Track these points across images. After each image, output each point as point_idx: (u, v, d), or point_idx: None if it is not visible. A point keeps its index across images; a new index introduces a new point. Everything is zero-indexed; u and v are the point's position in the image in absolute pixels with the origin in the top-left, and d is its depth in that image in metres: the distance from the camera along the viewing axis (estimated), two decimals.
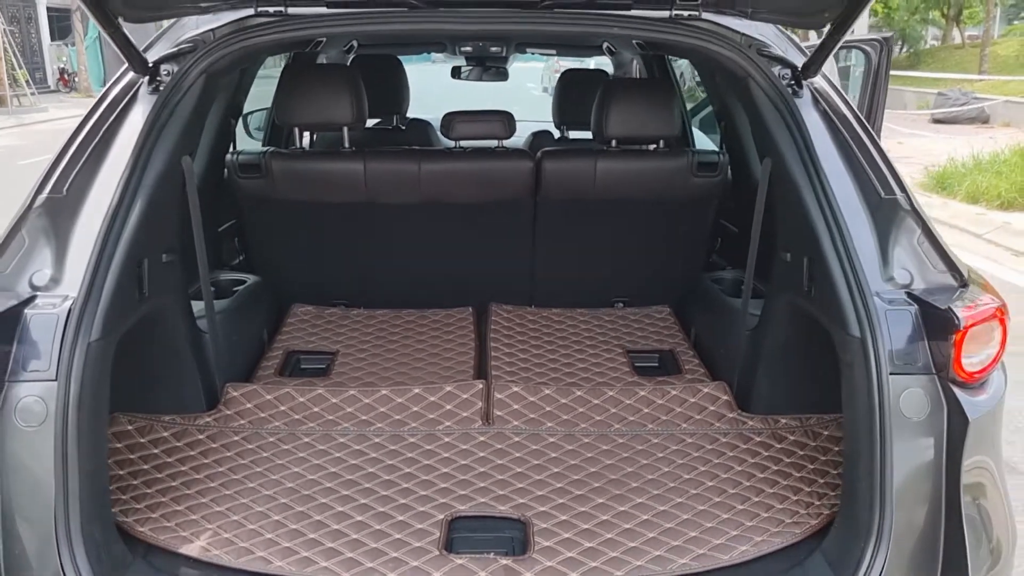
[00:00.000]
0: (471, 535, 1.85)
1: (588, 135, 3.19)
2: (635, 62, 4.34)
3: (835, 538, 1.70)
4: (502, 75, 4.81)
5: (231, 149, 3.00)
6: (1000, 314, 1.66)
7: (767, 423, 2.26)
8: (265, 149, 3.11)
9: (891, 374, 1.62)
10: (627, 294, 3.21)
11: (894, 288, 1.70)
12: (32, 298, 1.62)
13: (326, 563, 1.70)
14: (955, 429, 1.58)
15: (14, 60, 22.79)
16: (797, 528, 1.83)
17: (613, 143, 2.94)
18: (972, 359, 1.63)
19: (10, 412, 1.52)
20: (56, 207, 1.77)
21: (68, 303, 1.62)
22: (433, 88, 5.52)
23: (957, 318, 1.59)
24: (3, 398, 1.53)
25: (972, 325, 1.60)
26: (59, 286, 1.65)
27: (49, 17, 30.57)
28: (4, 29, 22.57)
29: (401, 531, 1.84)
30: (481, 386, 2.43)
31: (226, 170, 2.91)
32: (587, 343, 2.90)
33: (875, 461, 1.59)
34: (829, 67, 2.53)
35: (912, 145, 13.48)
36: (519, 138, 4.04)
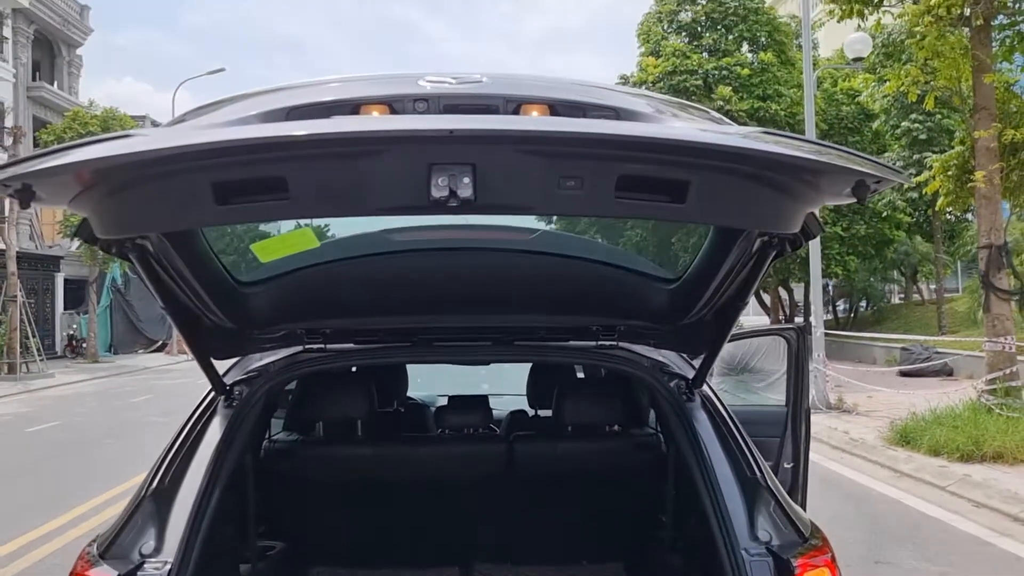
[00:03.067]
0: None
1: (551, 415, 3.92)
2: None
3: None
4: (484, 361, 5.70)
5: (267, 436, 3.67)
6: (829, 564, 2.21)
7: None
8: (294, 438, 3.79)
9: None
10: (588, 552, 3.75)
11: (757, 544, 2.24)
12: (142, 563, 2.15)
13: None
14: None
15: (29, 330, 24.07)
16: None
17: (570, 428, 3.62)
18: None
19: None
20: (160, 495, 2.36)
21: (167, 567, 2.16)
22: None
23: (793, 567, 2.15)
24: None
25: (804, 571, 2.14)
26: (160, 554, 2.19)
27: (65, 287, 32.51)
28: (23, 302, 24.08)
29: None
30: None
31: (262, 453, 3.54)
32: None
33: None
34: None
35: (879, 399, 14.25)
36: (501, 411, 4.75)
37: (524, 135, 1.55)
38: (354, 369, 3.88)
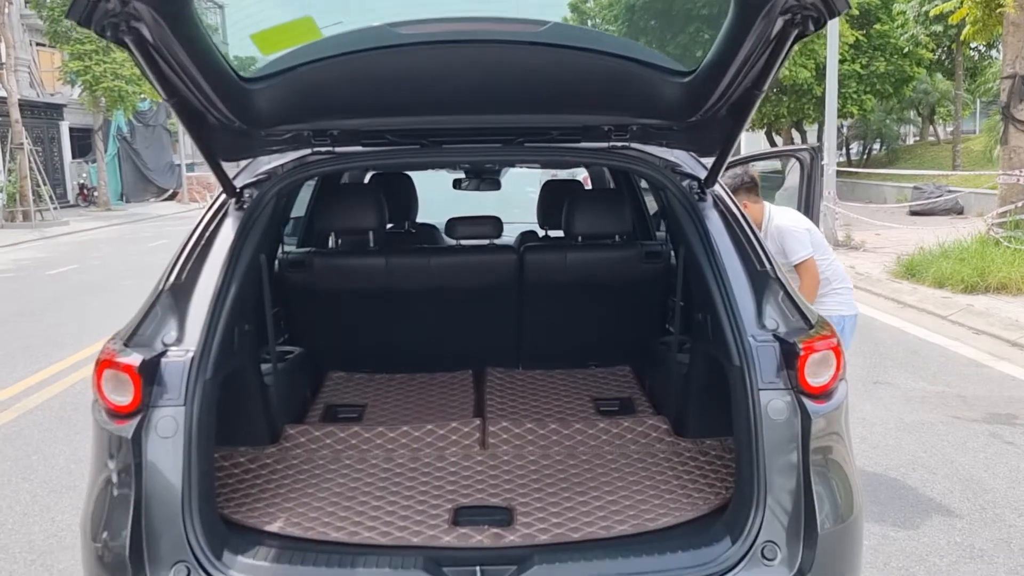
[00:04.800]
0: (471, 516, 2.44)
1: (563, 236, 3.96)
2: (605, 172, 5.18)
3: (731, 509, 2.28)
4: (495, 185, 5.70)
5: (280, 250, 3.75)
6: (834, 348, 2.27)
7: (696, 443, 2.88)
8: (308, 249, 3.85)
9: (760, 390, 2.22)
10: (596, 358, 3.89)
11: (764, 332, 2.32)
12: (165, 351, 2.24)
13: (368, 533, 2.30)
14: (805, 425, 2.18)
15: (39, 178, 24.07)
16: (705, 506, 2.43)
17: (579, 238, 3.67)
18: (816, 379, 2.23)
19: (152, 428, 2.13)
20: (178, 289, 2.42)
21: (190, 354, 2.24)
22: (442, 193, 6.36)
23: (798, 348, 2.21)
24: (148, 418, 2.14)
25: (808, 354, 2.21)
26: (182, 343, 2.28)
27: (71, 136, 32.21)
28: (30, 150, 23.95)
29: (420, 515, 2.44)
30: (478, 422, 3.07)
31: (277, 265, 3.61)
32: (563, 394, 3.54)
33: (753, 450, 2.18)
34: None
35: (887, 236, 14.27)
36: (510, 237, 4.81)
37: None
38: (366, 181, 3.90)
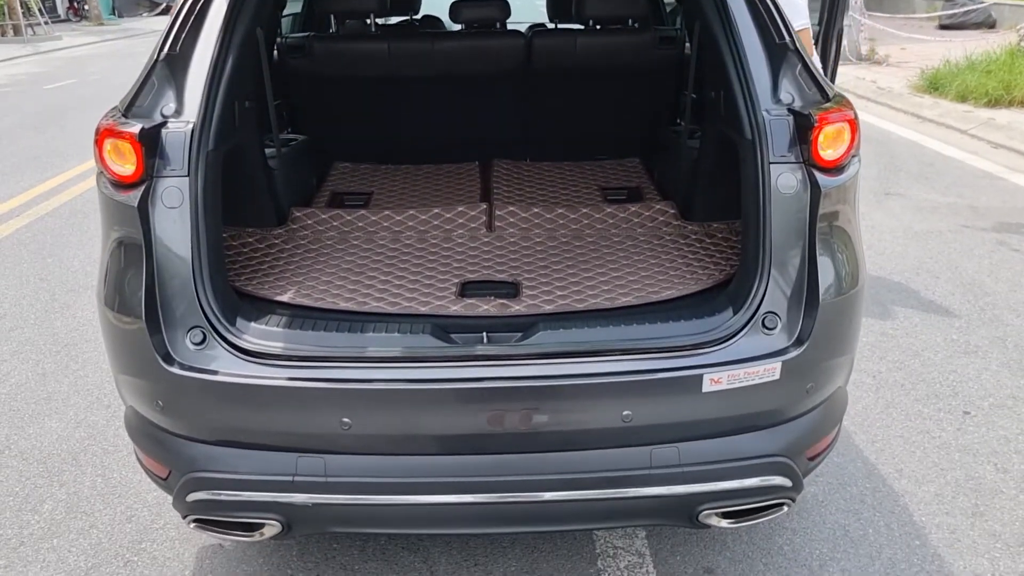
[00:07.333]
0: (478, 290, 2.48)
1: (574, 27, 3.78)
2: None
3: (734, 282, 2.30)
4: None
5: (279, 36, 3.58)
6: (850, 121, 2.18)
7: (703, 227, 2.87)
8: (307, 33, 3.68)
9: (771, 163, 2.16)
10: (606, 150, 3.82)
11: (778, 106, 2.22)
12: (164, 123, 2.18)
13: (377, 303, 2.36)
14: (814, 197, 2.14)
15: None
16: (709, 280, 2.46)
17: (591, 23, 3.49)
18: (828, 152, 2.16)
19: (158, 198, 2.11)
20: (174, 61, 2.30)
21: (190, 125, 2.17)
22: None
23: (812, 118, 2.12)
24: (152, 188, 2.12)
25: (823, 125, 2.12)
26: (182, 115, 2.20)
27: None
28: None
29: (428, 288, 2.48)
30: (484, 206, 3.06)
31: (276, 52, 3.46)
32: (571, 184, 3.51)
33: (760, 223, 2.16)
34: None
35: (913, 50, 13.70)
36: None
37: None
38: None
